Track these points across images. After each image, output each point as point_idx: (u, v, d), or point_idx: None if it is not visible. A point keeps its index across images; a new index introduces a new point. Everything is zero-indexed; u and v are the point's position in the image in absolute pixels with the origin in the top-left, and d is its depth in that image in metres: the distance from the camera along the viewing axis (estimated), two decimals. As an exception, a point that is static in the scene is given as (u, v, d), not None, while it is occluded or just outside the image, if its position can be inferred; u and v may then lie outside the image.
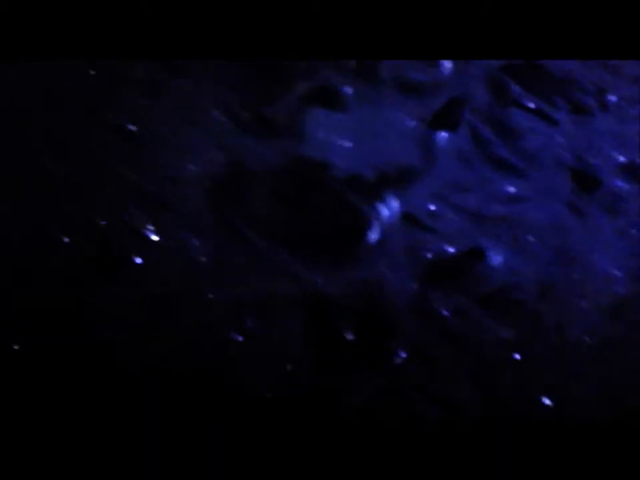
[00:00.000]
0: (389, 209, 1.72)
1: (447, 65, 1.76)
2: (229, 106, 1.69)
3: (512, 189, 1.77)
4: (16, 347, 1.57)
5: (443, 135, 1.75)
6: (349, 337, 1.71)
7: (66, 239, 1.60)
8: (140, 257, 1.64)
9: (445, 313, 1.73)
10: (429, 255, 1.74)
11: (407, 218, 1.74)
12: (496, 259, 1.76)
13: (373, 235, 1.72)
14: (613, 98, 1.79)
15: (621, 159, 1.82)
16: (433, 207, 1.75)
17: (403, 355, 1.72)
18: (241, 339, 1.67)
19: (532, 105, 1.77)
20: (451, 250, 1.75)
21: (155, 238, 1.65)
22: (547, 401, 1.69)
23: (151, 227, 1.65)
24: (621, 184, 1.81)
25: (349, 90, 1.73)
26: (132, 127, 1.64)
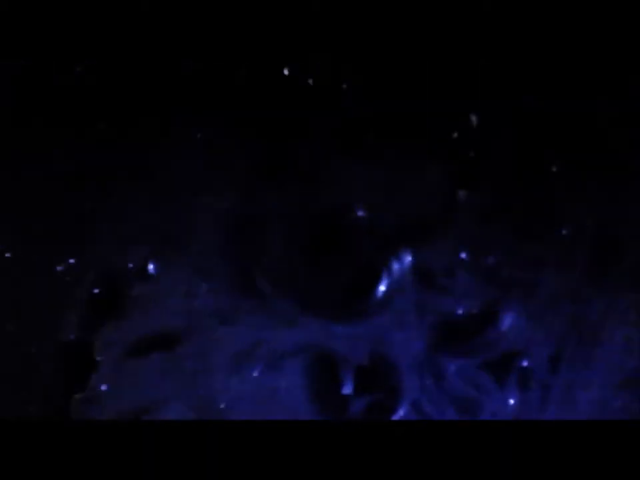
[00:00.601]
0: (402, 263, 1.70)
1: (474, 119, 1.71)
2: (248, 149, 1.66)
3: (531, 253, 1.73)
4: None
5: (465, 192, 1.72)
6: (350, 391, 1.69)
7: (64, 271, 1.60)
8: (144, 295, 1.63)
9: (449, 375, 1.71)
10: (438, 314, 1.71)
11: (420, 274, 1.71)
12: (507, 323, 1.72)
13: (383, 289, 1.69)
14: (641, 168, 1.74)
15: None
16: (447, 265, 1.71)
17: (402, 413, 1.70)
18: (242, 386, 1.66)
19: (558, 169, 1.72)
20: (461, 311, 1.71)
21: (162, 278, 1.64)
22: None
23: (159, 267, 1.63)
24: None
25: (371, 139, 1.69)
26: (146, 165, 1.63)
